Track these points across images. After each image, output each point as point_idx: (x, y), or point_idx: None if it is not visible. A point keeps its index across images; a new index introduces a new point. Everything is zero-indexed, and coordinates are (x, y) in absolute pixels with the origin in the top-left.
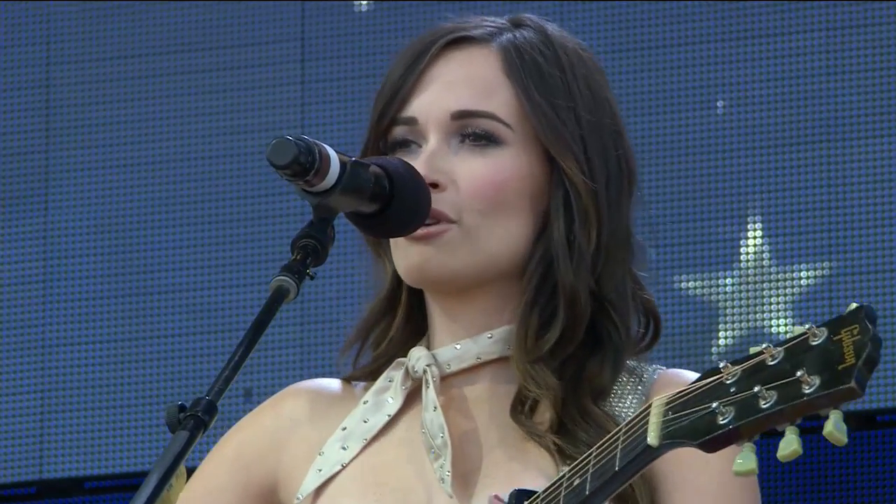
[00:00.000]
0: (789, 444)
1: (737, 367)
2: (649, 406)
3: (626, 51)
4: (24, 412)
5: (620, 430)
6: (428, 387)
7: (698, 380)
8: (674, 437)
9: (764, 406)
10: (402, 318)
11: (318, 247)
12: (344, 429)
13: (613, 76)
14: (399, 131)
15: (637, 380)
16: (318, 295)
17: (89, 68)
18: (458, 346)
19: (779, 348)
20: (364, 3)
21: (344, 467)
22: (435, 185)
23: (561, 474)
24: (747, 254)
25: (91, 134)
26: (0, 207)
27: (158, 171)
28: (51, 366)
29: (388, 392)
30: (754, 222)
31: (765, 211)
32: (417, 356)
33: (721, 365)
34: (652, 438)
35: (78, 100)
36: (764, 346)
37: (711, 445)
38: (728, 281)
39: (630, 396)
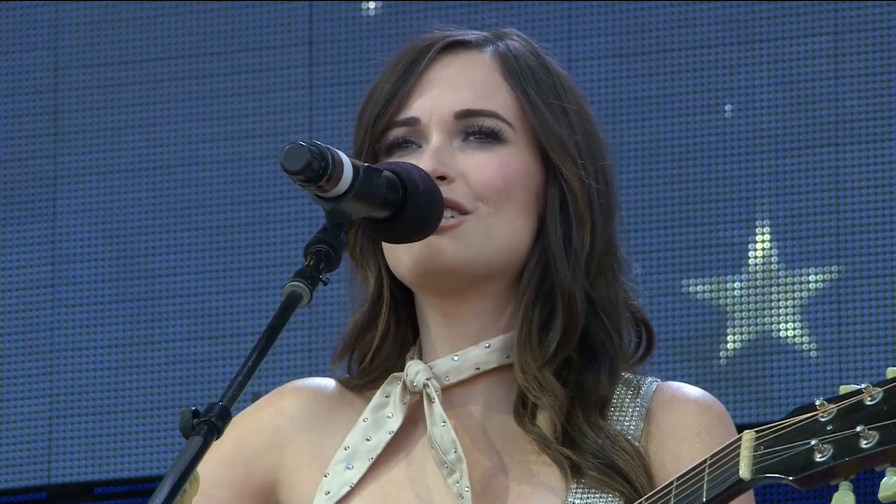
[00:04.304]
0: (892, 486)
1: (832, 406)
2: (739, 439)
3: (635, 55)
4: (33, 417)
5: (706, 461)
6: (433, 402)
7: (791, 415)
8: (767, 471)
9: (865, 446)
10: (392, 329)
11: (331, 252)
12: (346, 448)
13: (622, 80)
14: (398, 132)
15: (635, 392)
16: (325, 300)
17: (97, 73)
18: (456, 358)
19: (878, 389)
20: (372, 6)
21: (353, 488)
22: (443, 178)
23: (637, 503)
24: (755, 258)
25: (99, 139)
26: (8, 212)
27: (166, 175)
28: (59, 370)
29: (386, 408)
30: (762, 226)
31: (773, 215)
32: (416, 370)
33: (817, 402)
34: (744, 472)
35: (85, 104)
36: (863, 385)
37: (808, 482)
38: (736, 285)
39: (630, 409)
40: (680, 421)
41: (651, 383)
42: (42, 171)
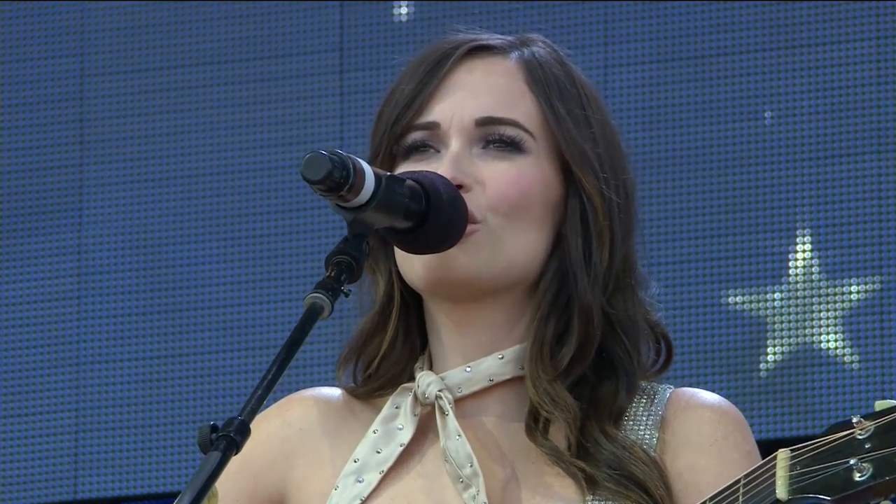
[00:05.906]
0: None
1: (870, 423)
2: (774, 458)
3: (673, 60)
4: (59, 430)
5: (739, 481)
6: (447, 414)
7: (826, 433)
8: (806, 491)
9: None
10: (400, 335)
11: (352, 263)
12: (356, 461)
13: (660, 86)
14: (417, 135)
15: (649, 400)
16: (356, 311)
17: (123, 80)
18: (469, 369)
19: None
20: (404, 11)
21: (363, 501)
22: (460, 186)
23: None
24: (796, 268)
25: (125, 147)
26: (33, 222)
27: (193, 184)
28: (85, 384)
29: (396, 420)
30: (803, 235)
31: (814, 224)
32: (427, 381)
33: (854, 419)
34: (781, 493)
35: (112, 112)
36: None
37: (847, 502)
38: (776, 295)
39: (644, 418)
40: (695, 429)
41: (665, 390)
42: (68, 181)
